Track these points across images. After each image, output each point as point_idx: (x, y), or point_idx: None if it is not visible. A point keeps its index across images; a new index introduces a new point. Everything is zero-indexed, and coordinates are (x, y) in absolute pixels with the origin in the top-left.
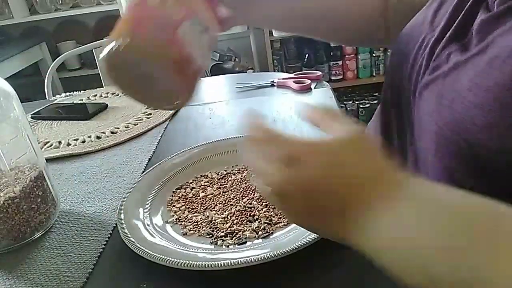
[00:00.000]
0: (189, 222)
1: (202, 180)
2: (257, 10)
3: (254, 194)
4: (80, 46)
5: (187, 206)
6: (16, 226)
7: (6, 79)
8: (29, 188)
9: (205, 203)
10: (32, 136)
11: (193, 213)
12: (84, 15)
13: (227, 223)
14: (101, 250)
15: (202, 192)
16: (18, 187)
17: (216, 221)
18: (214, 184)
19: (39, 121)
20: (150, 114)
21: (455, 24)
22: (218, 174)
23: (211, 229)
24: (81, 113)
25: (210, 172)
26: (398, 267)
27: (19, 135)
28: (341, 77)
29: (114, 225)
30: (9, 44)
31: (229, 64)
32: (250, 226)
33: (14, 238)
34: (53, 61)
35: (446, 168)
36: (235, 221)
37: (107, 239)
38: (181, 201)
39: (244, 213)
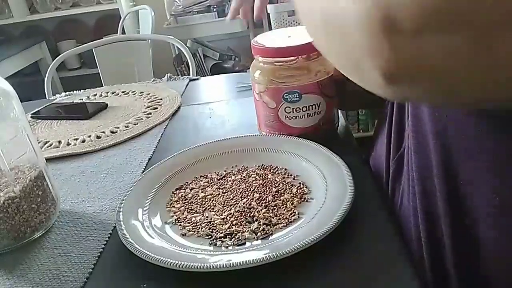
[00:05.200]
0: (188, 222)
1: (202, 181)
2: None
3: (253, 195)
4: (80, 45)
5: (186, 207)
6: (16, 226)
7: (6, 78)
8: (29, 188)
9: (204, 203)
10: (32, 136)
11: (192, 214)
12: (84, 14)
13: (226, 224)
14: (101, 250)
15: (202, 192)
16: (18, 187)
17: (215, 222)
18: (214, 184)
19: (39, 120)
20: (150, 114)
21: None
22: (217, 175)
23: (210, 230)
24: (81, 112)
25: (209, 173)
26: None
27: (19, 135)
28: None
29: (114, 225)
30: (9, 44)
31: (229, 63)
32: (249, 227)
33: (14, 238)
34: (53, 60)
35: None
36: (234, 222)
37: (107, 239)
38: (180, 201)
39: (243, 214)
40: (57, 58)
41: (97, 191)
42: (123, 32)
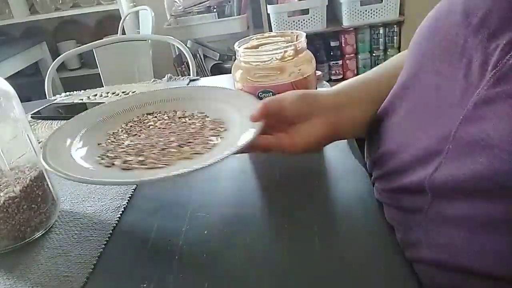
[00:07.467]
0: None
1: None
2: None
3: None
4: (80, 46)
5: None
6: (16, 226)
7: (6, 79)
8: (29, 188)
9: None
10: (32, 136)
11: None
12: (84, 14)
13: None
14: (101, 250)
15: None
16: (18, 187)
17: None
18: (138, 130)
19: (39, 121)
20: None
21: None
22: (140, 120)
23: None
24: (81, 112)
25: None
26: None
27: (19, 135)
28: (341, 76)
29: (114, 225)
30: (9, 44)
31: (229, 63)
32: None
33: (14, 238)
34: (53, 61)
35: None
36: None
37: (107, 239)
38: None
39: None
40: (57, 59)
41: (97, 191)
42: (123, 33)
